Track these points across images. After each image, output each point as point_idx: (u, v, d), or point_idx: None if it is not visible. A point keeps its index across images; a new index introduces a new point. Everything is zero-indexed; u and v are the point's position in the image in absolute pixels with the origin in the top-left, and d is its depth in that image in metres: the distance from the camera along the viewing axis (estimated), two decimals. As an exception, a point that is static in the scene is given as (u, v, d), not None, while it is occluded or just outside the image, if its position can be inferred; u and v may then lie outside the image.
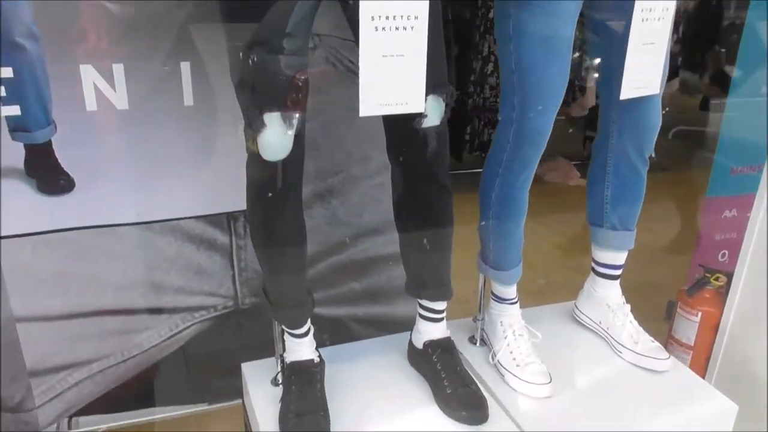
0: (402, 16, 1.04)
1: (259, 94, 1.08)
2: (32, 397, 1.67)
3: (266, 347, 1.43)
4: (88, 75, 1.42)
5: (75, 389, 1.70)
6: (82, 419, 1.75)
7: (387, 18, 1.03)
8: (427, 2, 1.03)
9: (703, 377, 1.97)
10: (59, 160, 1.48)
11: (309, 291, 1.31)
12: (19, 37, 1.36)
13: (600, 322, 1.58)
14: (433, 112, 1.16)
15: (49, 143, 1.45)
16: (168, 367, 1.74)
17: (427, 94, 1.12)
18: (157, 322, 1.70)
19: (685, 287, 2.00)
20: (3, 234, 1.49)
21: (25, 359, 1.62)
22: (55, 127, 1.44)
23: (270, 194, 1.15)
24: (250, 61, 1.05)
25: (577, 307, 1.64)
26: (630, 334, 1.50)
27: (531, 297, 2.73)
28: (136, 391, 1.75)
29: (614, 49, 1.23)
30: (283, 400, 1.27)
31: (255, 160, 1.13)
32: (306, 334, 1.33)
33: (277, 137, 1.09)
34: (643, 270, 3.00)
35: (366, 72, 1.04)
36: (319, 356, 1.36)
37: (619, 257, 1.54)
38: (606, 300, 1.56)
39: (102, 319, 1.64)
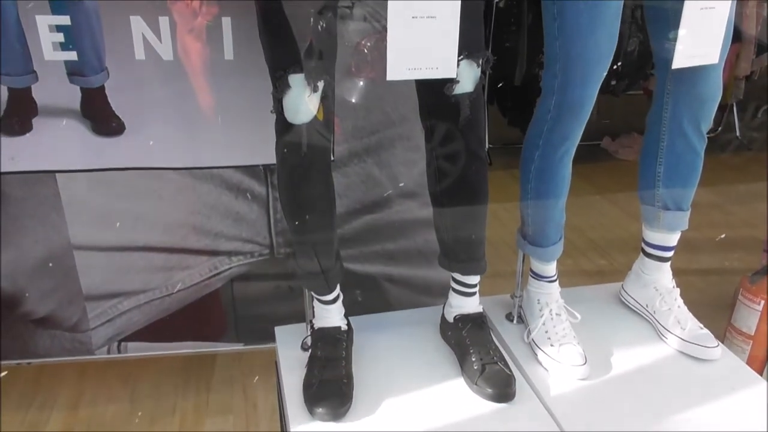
0: (435, -24, 0.99)
1: (283, 54, 1.06)
2: (87, 320, 1.83)
3: (299, 299, 1.45)
4: (138, 26, 1.50)
5: (125, 317, 1.84)
6: (131, 345, 1.90)
7: (418, -23, 0.99)
8: (462, -40, 0.98)
9: (763, 369, 1.86)
10: (111, 105, 1.59)
11: (338, 258, 1.31)
12: None
13: (647, 306, 1.50)
14: (466, 78, 1.11)
15: (102, 88, 1.56)
16: (207, 305, 1.86)
17: (460, 59, 1.08)
18: (198, 263, 1.81)
19: (749, 274, 1.87)
20: (61, 168, 1.64)
21: (81, 284, 1.78)
22: (108, 74, 1.54)
23: (296, 158, 1.14)
24: (273, 23, 1.04)
25: (623, 289, 1.57)
26: (677, 319, 1.42)
27: (590, 277, 2.65)
28: (177, 324, 1.88)
29: (670, 13, 1.14)
30: (308, 365, 1.28)
31: (281, 122, 1.12)
32: (334, 301, 1.33)
33: (300, 99, 1.07)
34: (715, 253, 2.84)
35: (394, 34, 1.01)
36: (348, 324, 1.35)
37: (671, 238, 1.45)
38: (654, 283, 1.48)
39: (148, 255, 1.77)
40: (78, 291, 1.77)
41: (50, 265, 1.72)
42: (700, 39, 1.10)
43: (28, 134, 1.57)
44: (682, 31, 1.08)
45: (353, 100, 1.62)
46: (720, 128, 4.17)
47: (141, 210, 1.71)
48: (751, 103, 4.32)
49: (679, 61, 1.11)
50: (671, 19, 1.12)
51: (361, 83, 1.58)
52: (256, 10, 1.12)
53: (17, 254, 1.70)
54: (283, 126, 1.12)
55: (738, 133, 4.30)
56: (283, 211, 1.26)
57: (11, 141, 1.57)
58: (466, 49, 1.08)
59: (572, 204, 1.37)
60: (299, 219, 1.22)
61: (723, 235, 2.65)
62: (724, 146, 4.19)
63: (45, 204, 1.66)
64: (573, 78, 1.16)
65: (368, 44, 1.59)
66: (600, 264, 2.82)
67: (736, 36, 3.93)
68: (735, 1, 1.14)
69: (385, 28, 1.53)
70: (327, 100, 1.11)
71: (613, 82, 3.65)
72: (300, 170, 1.16)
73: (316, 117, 1.09)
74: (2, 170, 1.60)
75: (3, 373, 1.89)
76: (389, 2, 0.99)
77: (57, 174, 1.63)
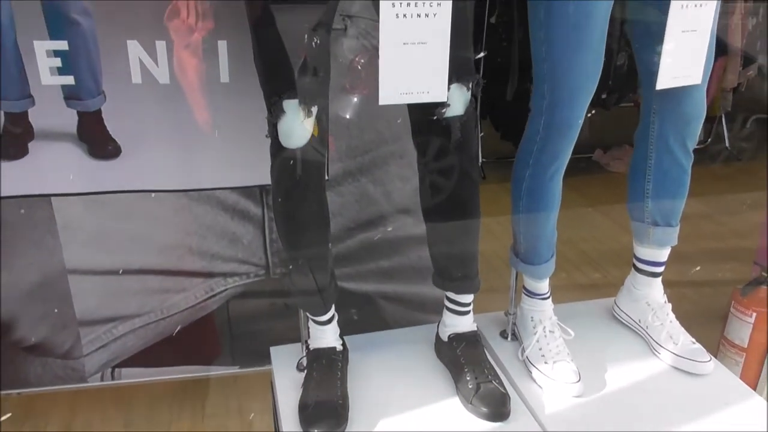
0: (424, 3, 1.01)
1: (278, 80, 1.08)
2: (80, 346, 1.81)
3: (295, 318, 1.45)
4: (135, 50, 1.52)
5: (119, 342, 1.83)
6: (125, 371, 1.88)
7: (408, 5, 1.01)
8: (451, -14, 1.00)
9: (757, 381, 1.87)
10: (108, 128, 1.60)
11: (333, 277, 1.32)
12: (75, 13, 1.48)
13: (639, 321, 1.51)
14: (456, 102, 1.13)
15: (99, 111, 1.57)
16: (202, 328, 1.85)
17: (451, 83, 1.10)
18: (194, 284, 1.81)
19: (740, 286, 1.89)
20: (57, 192, 1.64)
21: (75, 309, 1.76)
22: (105, 97, 1.56)
23: (290, 180, 1.15)
24: (268, 49, 1.06)
25: (616, 304, 1.58)
26: (669, 334, 1.44)
27: (584, 291, 2.66)
28: (172, 348, 1.86)
29: (653, 34, 1.16)
30: (304, 385, 1.29)
31: (276, 146, 1.14)
32: (329, 321, 1.33)
33: (295, 124, 1.09)
34: (706, 265, 2.86)
35: (386, 59, 1.03)
36: (343, 344, 1.36)
37: (661, 254, 1.47)
38: (646, 298, 1.50)
39: (144, 277, 1.77)
40: (72, 316, 1.76)
41: (44, 289, 1.71)
42: (682, 60, 1.12)
43: (23, 158, 1.58)
44: (665, 54, 1.10)
45: (347, 116, 1.64)
46: (709, 139, 4.21)
47: (137, 232, 1.72)
48: (739, 114, 4.36)
49: (663, 82, 1.13)
50: (655, 38, 1.14)
51: (355, 99, 1.60)
52: (251, 36, 1.14)
53: (10, 279, 1.70)
54: (278, 150, 1.14)
55: (727, 144, 4.34)
56: (278, 231, 1.28)
57: (6, 165, 1.58)
58: (456, 74, 1.10)
59: (565, 217, 1.39)
60: (294, 240, 1.24)
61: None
62: (714, 157, 4.22)
63: (40, 227, 1.66)
64: (561, 99, 1.18)
65: (362, 61, 1.61)
66: (594, 277, 2.83)
67: (723, 49, 3.97)
68: (717, 17, 1.16)
69: (375, 47, 1.55)
70: (321, 123, 1.12)
71: (604, 96, 3.69)
72: (295, 192, 1.17)
73: (311, 138, 1.10)
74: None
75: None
76: (381, 29, 1.01)
77: (52, 197, 1.64)
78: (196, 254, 1.77)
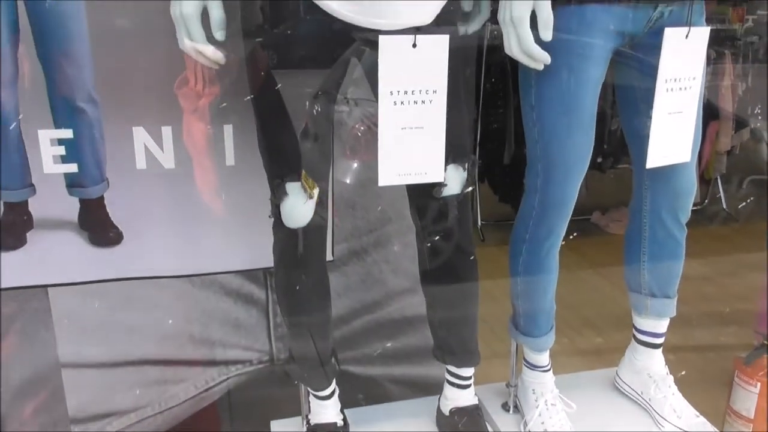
0: (421, 91, 1.06)
1: (281, 164, 1.12)
2: None
3: (299, 402, 1.45)
4: (140, 136, 1.51)
5: None
6: None
7: (405, 92, 1.06)
8: (445, 77, 1.05)
9: (764, 454, 1.84)
10: (109, 214, 1.56)
11: (333, 354, 1.33)
12: (81, 101, 1.47)
13: (642, 393, 1.51)
14: (453, 182, 1.17)
15: (101, 198, 1.54)
16: (202, 420, 1.78)
17: (447, 164, 1.14)
18: (194, 375, 1.74)
19: (743, 354, 1.89)
20: (55, 282, 1.57)
21: (67, 405, 1.67)
22: (108, 184, 1.54)
23: (292, 258, 1.18)
24: (271, 134, 1.11)
25: (618, 375, 1.58)
26: (673, 407, 1.43)
27: (586, 357, 2.64)
28: None
29: (641, 114, 1.22)
30: (305, 462, 1.28)
31: (278, 225, 1.17)
32: (330, 396, 1.34)
33: (297, 206, 1.13)
34: (709, 328, 2.85)
35: (385, 143, 1.07)
36: (344, 419, 1.36)
37: (660, 325, 1.48)
38: (647, 369, 1.50)
39: (142, 369, 1.70)
40: (63, 413, 1.66)
41: (35, 385, 1.63)
42: (670, 141, 1.17)
43: (21, 248, 1.52)
44: (652, 134, 1.15)
45: (347, 181, 1.67)
46: (706, 201, 4.26)
47: (135, 321, 1.65)
48: (735, 176, 4.43)
49: (653, 161, 1.17)
50: (642, 119, 1.19)
51: (355, 165, 1.63)
52: (256, 121, 1.19)
53: (-1, 374, 1.60)
54: (280, 228, 1.17)
55: (725, 205, 4.39)
56: (280, 308, 1.30)
57: (3, 256, 1.51)
58: (452, 155, 1.14)
59: (564, 280, 1.40)
60: (295, 316, 1.26)
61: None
62: (712, 218, 4.26)
63: (34, 320, 1.60)
64: (554, 177, 1.22)
65: (361, 128, 1.65)
66: (596, 342, 2.81)
67: (715, 113, 4.06)
68: (705, 83, 1.21)
69: (373, 115, 1.59)
70: (322, 205, 1.16)
71: (600, 160, 3.76)
72: (296, 270, 1.20)
73: (313, 216, 1.14)
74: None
75: None
76: (380, 115, 1.05)
77: (49, 288, 1.57)
78: (198, 342, 1.71)
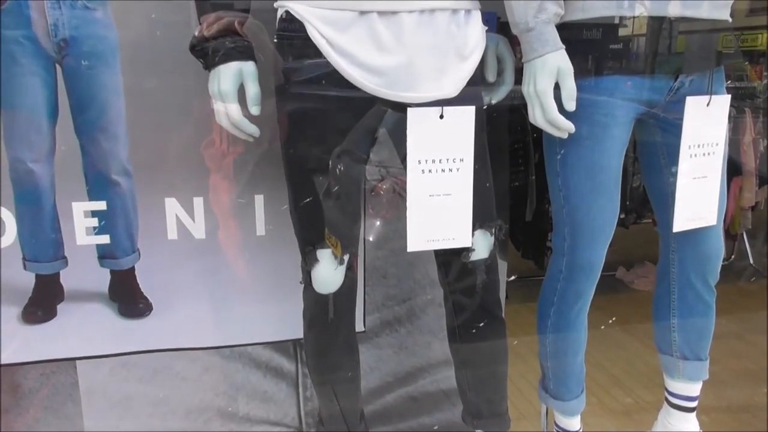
0: (448, 159, 1.10)
1: (312, 231, 1.15)
2: None
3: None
4: (172, 207, 1.51)
5: None
6: None
7: (433, 161, 1.09)
8: (472, 145, 1.09)
9: None
10: (139, 285, 1.55)
11: (362, 419, 1.32)
12: (115, 174, 1.48)
13: (676, 459, 1.47)
14: (480, 246, 1.19)
15: (132, 269, 1.53)
16: None
17: (475, 229, 1.16)
18: None
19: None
20: (83, 355, 1.56)
21: None
22: (139, 255, 1.53)
23: (323, 323, 1.20)
24: (304, 202, 1.14)
25: (652, 440, 1.55)
26: (709, 475, 1.39)
27: (616, 417, 2.57)
28: None
29: (664, 174, 1.24)
30: None
31: (309, 290, 1.20)
32: (360, 464, 1.33)
33: (328, 272, 1.15)
34: (741, 389, 2.77)
35: (413, 210, 1.10)
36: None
37: (694, 388, 1.45)
38: (682, 434, 1.47)
39: None
40: None
41: None
42: (696, 205, 1.18)
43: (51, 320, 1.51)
44: (678, 199, 1.16)
45: (371, 239, 1.66)
46: (732, 256, 4.21)
47: (163, 395, 1.62)
48: (761, 231, 4.38)
49: (679, 225, 1.18)
50: (668, 183, 1.21)
51: (378, 223, 1.65)
52: (288, 189, 1.23)
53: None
54: (311, 295, 1.19)
55: (752, 261, 4.33)
56: (309, 372, 1.30)
57: (32, 328, 1.50)
58: (479, 220, 1.16)
59: (592, 337, 1.39)
60: (324, 381, 1.26)
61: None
62: (739, 274, 4.19)
63: (61, 393, 1.58)
64: (581, 241, 1.24)
65: (384, 187, 1.66)
66: (625, 402, 2.74)
67: (737, 169, 4.05)
68: (728, 139, 1.22)
69: (394, 174, 1.60)
70: (352, 270, 1.18)
71: (622, 215, 3.76)
72: (326, 336, 1.22)
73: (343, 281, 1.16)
74: (17, 360, 1.50)
75: None
76: (408, 182, 1.08)
77: (77, 361, 1.56)
78: (225, 416, 1.67)
